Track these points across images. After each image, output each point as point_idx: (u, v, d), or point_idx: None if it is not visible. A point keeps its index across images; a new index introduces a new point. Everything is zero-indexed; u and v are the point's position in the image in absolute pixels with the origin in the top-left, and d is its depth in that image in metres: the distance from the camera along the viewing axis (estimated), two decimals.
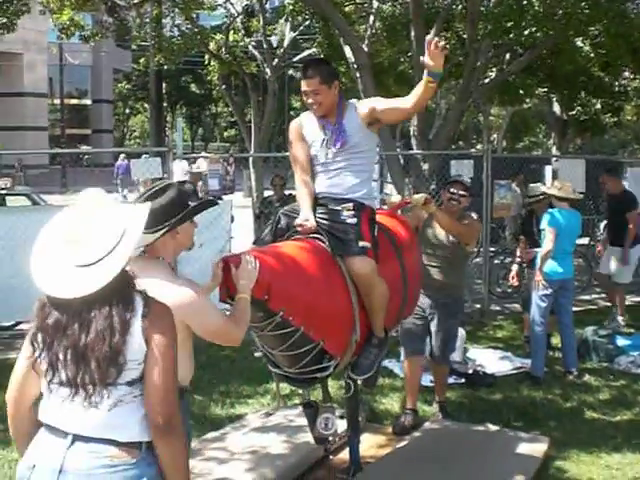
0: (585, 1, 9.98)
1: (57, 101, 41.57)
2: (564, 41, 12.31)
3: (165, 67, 22.92)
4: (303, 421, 5.04)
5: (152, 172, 9.16)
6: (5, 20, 14.55)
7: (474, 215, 6.44)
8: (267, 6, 19.12)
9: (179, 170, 19.65)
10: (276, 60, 17.51)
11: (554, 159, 14.36)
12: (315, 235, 4.38)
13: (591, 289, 11.45)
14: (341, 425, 5.06)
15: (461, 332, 7.36)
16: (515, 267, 8.93)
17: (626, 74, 18.86)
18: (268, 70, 17.16)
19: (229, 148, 54.32)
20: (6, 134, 41.53)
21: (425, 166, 10.80)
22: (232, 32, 18.07)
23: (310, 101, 4.52)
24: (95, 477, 2.52)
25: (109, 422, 2.55)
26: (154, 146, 29.36)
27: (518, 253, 8.89)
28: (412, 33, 10.48)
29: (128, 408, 2.57)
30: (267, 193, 13.20)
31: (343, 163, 4.53)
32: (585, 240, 12.41)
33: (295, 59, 19.53)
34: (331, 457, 5.45)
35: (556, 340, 8.32)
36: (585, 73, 16.29)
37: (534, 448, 5.61)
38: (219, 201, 9.60)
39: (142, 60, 41.48)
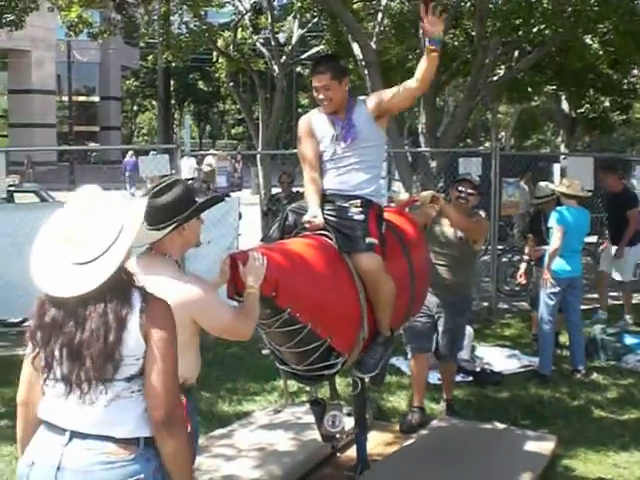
0: None
1: (65, 98, 41.56)
2: (573, 38, 12.28)
3: (173, 64, 22.95)
4: (310, 418, 5.03)
5: (160, 169, 9.16)
6: (13, 17, 14.55)
7: (482, 213, 6.43)
8: (275, 3, 19.15)
9: (187, 167, 19.72)
10: (284, 57, 17.50)
11: (562, 157, 14.32)
12: (322, 232, 4.38)
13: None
14: (348, 423, 5.06)
15: (469, 330, 7.35)
16: (523, 265, 8.92)
17: (635, 72, 18.81)
18: (276, 67, 17.15)
19: (237, 145, 54.43)
20: (14, 131, 41.77)
21: (433, 164, 10.78)
22: (240, 29, 18.06)
23: (321, 97, 4.52)
24: (92, 474, 2.52)
25: (106, 418, 2.55)
26: (162, 143, 29.49)
27: (526, 251, 8.88)
28: (420, 30, 10.44)
29: (126, 404, 2.57)
30: (275, 190, 13.18)
31: (352, 159, 4.53)
32: (593, 238, 12.36)
33: (303, 56, 19.53)
34: (338, 455, 5.45)
35: (564, 338, 8.30)
36: (594, 71, 16.24)
37: (541, 446, 5.60)
38: (227, 198, 9.62)
39: (150, 57, 41.49)
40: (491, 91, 13.28)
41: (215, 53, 18.81)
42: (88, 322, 2.50)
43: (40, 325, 2.58)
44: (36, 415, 2.69)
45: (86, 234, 2.51)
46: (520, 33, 10.79)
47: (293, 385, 6.18)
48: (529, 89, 17.33)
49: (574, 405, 6.87)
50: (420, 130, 11.42)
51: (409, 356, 6.43)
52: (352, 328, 4.37)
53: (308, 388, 5.46)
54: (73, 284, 2.48)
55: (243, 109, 20.64)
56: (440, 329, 6.17)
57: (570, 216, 7.48)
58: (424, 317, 6.10)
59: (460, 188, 6.07)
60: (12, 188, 14.27)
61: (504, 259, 11.58)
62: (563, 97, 21.43)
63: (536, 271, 8.42)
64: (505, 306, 10.87)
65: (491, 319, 10.09)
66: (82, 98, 50.75)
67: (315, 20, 17.15)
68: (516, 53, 13.34)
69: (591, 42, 14.17)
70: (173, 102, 50.78)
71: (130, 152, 28.86)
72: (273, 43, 17.31)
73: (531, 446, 5.59)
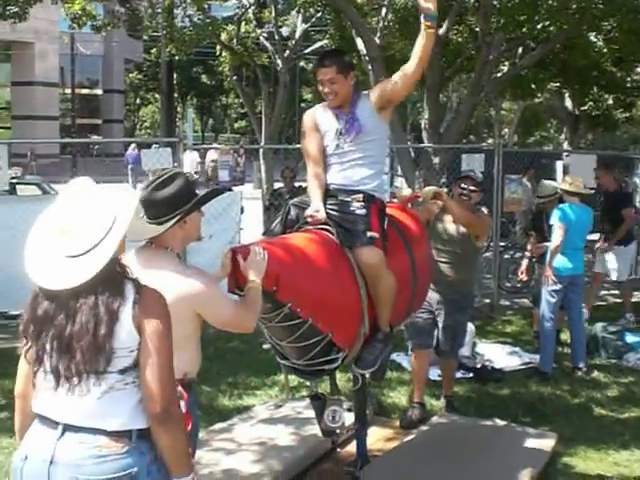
0: None
1: (68, 91, 41.56)
2: (577, 36, 12.25)
3: (176, 58, 22.91)
4: (311, 413, 5.03)
5: (162, 162, 9.15)
6: (17, 9, 14.52)
7: (484, 210, 6.43)
8: None
9: (189, 161, 19.71)
10: (287, 52, 17.46)
11: (565, 154, 14.30)
12: (324, 226, 4.38)
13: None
14: (349, 418, 5.06)
15: (470, 327, 7.35)
16: (525, 262, 8.92)
17: (639, 70, 18.75)
18: (279, 62, 17.11)
19: (239, 139, 54.30)
20: (17, 123, 41.73)
21: (436, 160, 10.76)
22: (244, 23, 18.02)
23: (326, 90, 4.52)
24: (84, 468, 2.51)
25: (98, 411, 2.54)
26: (165, 136, 29.41)
27: (528, 248, 8.87)
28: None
29: (119, 396, 2.56)
30: (277, 185, 13.18)
31: (356, 154, 4.52)
32: (596, 236, 12.36)
33: (307, 51, 19.50)
34: (338, 450, 5.46)
35: (565, 336, 8.30)
36: (598, 68, 16.19)
37: (542, 444, 5.61)
38: (229, 192, 9.61)
39: (153, 50, 41.34)
40: (495, 87, 13.24)
41: (218, 47, 18.79)
42: (78, 315, 2.50)
43: (32, 318, 2.58)
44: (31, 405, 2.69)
45: (79, 227, 2.51)
46: (524, 30, 10.75)
47: (294, 380, 6.17)
48: (533, 86, 17.28)
49: (575, 403, 6.87)
50: (423, 126, 11.41)
51: (410, 352, 6.43)
52: (353, 323, 4.37)
53: (308, 383, 5.47)
54: (65, 277, 2.48)
55: (246, 103, 20.61)
56: (440, 325, 6.17)
57: (572, 213, 7.47)
58: (425, 313, 6.09)
59: (463, 185, 6.06)
60: (14, 180, 14.28)
61: (506, 256, 11.58)
62: (567, 94, 21.37)
63: (538, 268, 8.41)
64: (506, 303, 10.87)
65: (492, 316, 10.09)
66: (85, 91, 50.68)
67: (319, 14, 17.13)
68: (520, 50, 13.31)
69: (595, 39, 14.13)
70: (176, 95, 50.69)
71: (132, 145, 28.83)
72: (277, 37, 17.27)
73: (531, 443, 5.60)
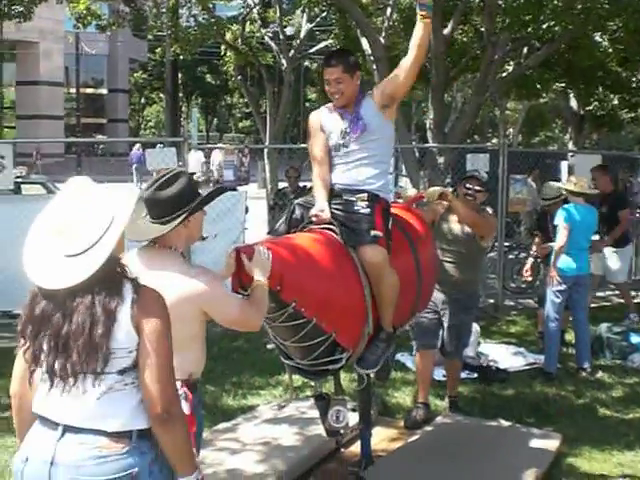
0: None
1: (73, 90, 41.61)
2: (582, 36, 12.22)
3: (181, 57, 22.95)
4: (315, 413, 5.02)
5: (167, 162, 9.15)
6: (22, 8, 14.57)
7: (489, 210, 6.42)
8: None
9: (195, 161, 19.70)
10: (292, 51, 17.47)
11: (570, 154, 14.28)
12: (329, 226, 4.38)
13: (605, 286, 11.39)
14: (353, 418, 5.06)
15: (475, 327, 7.34)
16: (530, 260, 8.91)
17: None
18: (284, 61, 17.13)
19: (244, 139, 54.37)
20: (22, 123, 41.80)
21: (440, 159, 10.76)
22: (248, 23, 18.05)
23: (332, 90, 4.53)
24: (85, 468, 2.50)
25: (98, 412, 2.53)
26: (169, 136, 29.46)
27: (533, 249, 8.86)
28: None
29: (119, 396, 2.55)
30: (281, 185, 13.19)
31: (361, 154, 4.53)
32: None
33: (311, 50, 19.50)
34: (342, 450, 5.44)
35: (570, 336, 8.29)
36: (603, 68, 16.17)
37: (546, 444, 5.60)
38: (233, 192, 9.61)
39: (158, 50, 41.56)
40: (500, 87, 13.23)
41: (223, 46, 18.79)
42: (75, 314, 2.49)
43: (30, 318, 2.57)
44: (29, 408, 2.68)
45: (77, 226, 2.50)
46: (529, 29, 10.74)
47: (298, 380, 6.18)
48: (538, 86, 17.25)
49: (579, 403, 6.85)
50: (428, 126, 11.39)
51: (414, 352, 6.43)
52: (357, 323, 4.36)
53: (313, 383, 5.47)
54: (63, 276, 2.47)
55: (251, 103, 20.65)
56: (446, 325, 6.17)
57: (577, 214, 7.46)
58: (430, 313, 6.09)
59: (468, 185, 6.06)
60: (19, 180, 14.30)
61: (511, 256, 11.56)
62: (572, 94, 21.34)
63: (543, 269, 8.40)
64: (511, 303, 10.85)
65: (497, 316, 10.08)
66: (90, 90, 50.81)
67: (324, 14, 17.13)
68: (525, 49, 13.29)
69: (601, 39, 14.11)
70: (181, 95, 50.74)
71: (137, 145, 28.86)
72: (281, 37, 17.28)
73: (536, 444, 5.59)
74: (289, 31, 19.45)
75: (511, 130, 37.24)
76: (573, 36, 11.39)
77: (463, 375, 7.05)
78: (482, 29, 12.16)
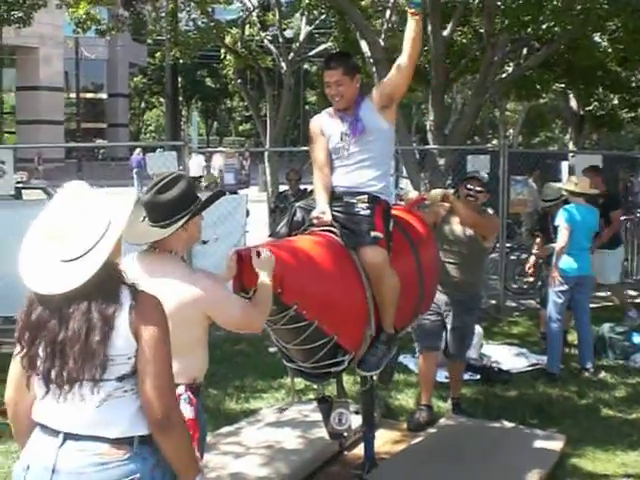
0: None
1: (73, 95, 41.72)
2: (582, 36, 12.21)
3: (181, 61, 22.90)
4: (318, 416, 5.02)
5: (168, 166, 9.15)
6: (21, 14, 14.59)
7: (490, 211, 6.42)
8: (283, 0, 19.09)
9: (196, 165, 19.68)
10: (292, 54, 17.47)
11: (571, 154, 14.28)
12: (329, 228, 4.38)
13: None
14: (356, 421, 5.05)
15: (478, 329, 7.32)
16: (532, 259, 8.90)
17: None
18: (284, 64, 17.13)
19: (244, 142, 54.34)
20: (22, 128, 41.85)
21: (441, 161, 10.74)
22: (248, 26, 18.05)
23: (333, 92, 4.55)
24: (87, 475, 2.49)
25: (99, 419, 2.51)
26: (170, 140, 29.42)
27: (535, 250, 8.85)
28: (429, 27, 10.42)
29: (118, 403, 2.53)
30: (282, 188, 13.18)
31: (361, 155, 4.53)
32: None
33: (311, 53, 19.51)
34: (346, 453, 5.45)
35: (572, 337, 8.28)
36: (603, 68, 16.16)
37: (550, 445, 5.59)
38: (235, 195, 9.62)
39: (158, 54, 41.48)
40: (499, 88, 13.22)
41: (223, 50, 18.80)
42: (71, 321, 2.46)
43: (27, 324, 2.54)
44: (25, 414, 2.65)
45: (73, 231, 2.48)
46: (529, 30, 10.75)
47: (300, 383, 6.17)
48: (537, 86, 17.24)
49: (582, 404, 6.84)
50: (428, 127, 11.38)
51: (417, 354, 6.42)
52: (359, 325, 4.36)
53: (315, 386, 5.46)
54: (59, 281, 2.44)
55: (251, 106, 20.65)
56: (449, 327, 6.16)
57: (578, 214, 7.45)
58: (433, 315, 6.08)
59: (469, 186, 6.05)
60: (20, 185, 14.31)
61: (512, 257, 11.56)
62: (571, 94, 21.34)
63: (545, 269, 8.39)
64: (513, 304, 10.84)
65: (499, 317, 10.07)
66: (90, 95, 50.84)
67: (323, 17, 17.11)
68: (525, 50, 13.29)
69: (600, 40, 14.10)
70: (181, 99, 50.67)
71: (138, 150, 28.84)
72: (281, 40, 17.29)
73: (539, 445, 5.58)
74: (288, 34, 19.46)
75: (511, 131, 37.26)
76: (572, 36, 11.38)
77: (466, 377, 7.04)
78: (481, 30, 12.15)
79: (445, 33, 10.79)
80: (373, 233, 4.34)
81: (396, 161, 13.65)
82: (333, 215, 4.40)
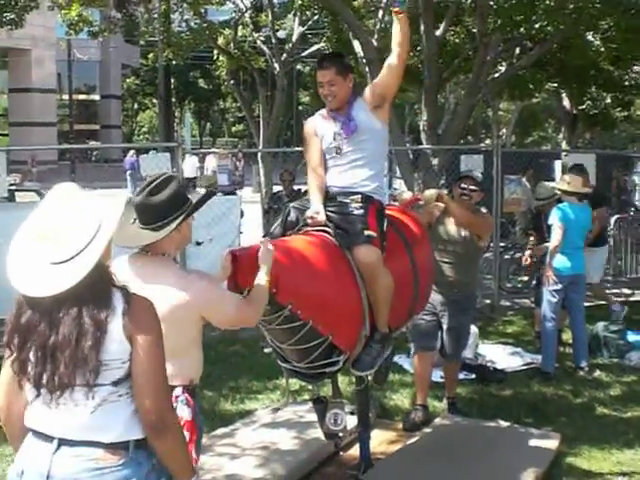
0: None
1: (65, 96, 41.57)
2: (574, 35, 12.22)
3: (173, 62, 22.91)
4: (313, 417, 5.02)
5: (161, 167, 9.14)
6: (13, 16, 14.52)
7: (484, 210, 6.42)
8: (275, 1, 19.08)
9: (190, 166, 19.68)
10: (285, 55, 17.47)
11: (564, 154, 14.29)
12: (324, 228, 4.38)
13: (602, 284, 11.38)
14: (351, 421, 5.05)
15: (473, 329, 7.32)
16: (527, 252, 8.91)
17: (636, 68, 18.70)
18: (276, 65, 17.12)
19: (237, 143, 54.39)
20: (14, 130, 41.77)
21: (435, 161, 10.74)
22: (240, 27, 18.06)
23: (325, 92, 4.56)
24: None
25: (93, 424, 2.48)
26: (163, 141, 29.41)
27: (528, 249, 8.86)
28: (421, 27, 10.42)
29: (113, 408, 2.50)
30: (276, 188, 13.17)
31: (354, 155, 4.54)
32: None
33: (304, 54, 19.52)
34: (341, 453, 5.44)
35: (566, 336, 8.29)
36: (595, 67, 16.18)
37: (545, 444, 5.59)
38: (229, 196, 9.62)
39: (150, 55, 41.46)
40: (492, 88, 13.23)
41: (215, 51, 18.81)
42: (62, 325, 2.42)
43: (16, 328, 2.49)
44: (17, 419, 2.61)
45: (63, 233, 2.43)
46: (522, 30, 10.75)
47: (295, 383, 6.16)
48: (530, 86, 17.27)
49: (577, 403, 6.85)
50: (421, 127, 11.37)
51: (412, 354, 6.41)
52: (354, 325, 4.36)
53: (311, 386, 5.46)
54: (49, 283, 2.39)
55: (244, 107, 20.63)
56: (445, 327, 6.15)
57: (571, 213, 7.46)
58: (429, 315, 6.08)
59: (463, 185, 6.06)
60: (13, 187, 14.27)
61: (506, 256, 11.56)
62: (564, 94, 21.37)
63: (539, 268, 8.39)
64: (507, 303, 10.85)
65: (493, 316, 10.08)
66: (82, 96, 50.73)
67: (316, 17, 17.11)
68: (517, 50, 13.30)
69: (593, 39, 14.10)
70: (174, 100, 50.74)
71: (131, 151, 28.80)
72: (274, 41, 17.28)
73: (535, 444, 5.58)
74: (281, 35, 19.47)
75: (504, 130, 37.30)
76: (565, 36, 11.39)
77: (461, 376, 7.04)
78: (474, 30, 12.17)
79: (438, 33, 10.79)
80: (366, 232, 4.34)
81: (390, 161, 13.66)
82: (327, 215, 4.40)
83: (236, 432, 5.74)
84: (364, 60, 10.44)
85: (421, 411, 6.12)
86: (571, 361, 7.79)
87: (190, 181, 19.24)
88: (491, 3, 10.43)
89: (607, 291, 10.60)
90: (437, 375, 6.82)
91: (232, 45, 17.40)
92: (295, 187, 10.14)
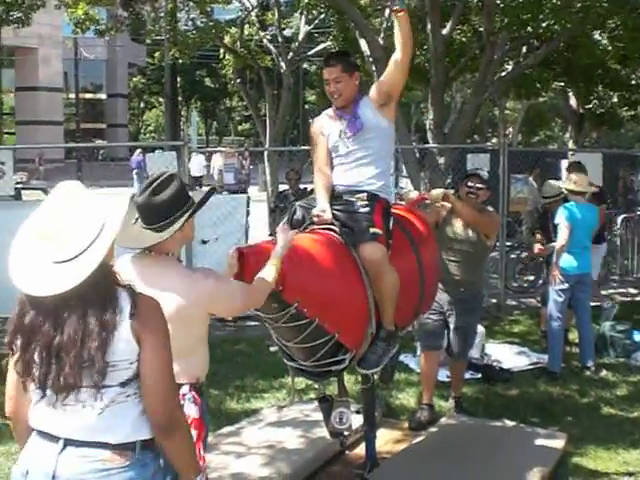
0: None
1: (72, 95, 41.65)
2: (581, 34, 12.21)
3: (180, 61, 22.94)
4: (319, 416, 5.01)
5: (167, 166, 9.14)
6: (20, 14, 14.57)
7: (490, 209, 6.41)
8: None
9: (196, 165, 19.69)
10: (291, 54, 17.44)
11: (570, 153, 14.26)
12: (330, 227, 4.38)
13: (608, 283, 11.37)
14: (357, 420, 5.04)
15: (480, 329, 7.31)
16: (537, 244, 8.86)
17: None
18: (283, 64, 17.11)
19: (243, 142, 54.35)
20: (21, 128, 41.89)
21: (441, 160, 10.73)
22: (247, 26, 18.03)
23: (332, 90, 4.56)
24: None
25: (101, 425, 2.46)
26: (169, 140, 29.43)
27: (536, 247, 8.83)
28: (428, 26, 10.41)
29: (120, 409, 2.49)
30: (282, 187, 13.18)
31: (360, 153, 4.54)
32: None
33: (310, 53, 19.47)
34: (347, 452, 5.43)
35: (573, 335, 8.27)
36: (602, 66, 16.16)
37: (551, 444, 5.56)
38: (235, 195, 9.62)
39: (157, 54, 41.52)
40: (499, 87, 13.21)
41: (222, 50, 18.79)
42: (66, 325, 2.39)
43: (20, 328, 2.46)
44: (26, 417, 2.59)
45: (66, 231, 2.41)
46: (528, 29, 10.74)
47: (301, 382, 6.16)
48: (537, 85, 17.25)
49: (584, 402, 6.84)
50: (428, 126, 11.37)
51: (418, 353, 6.40)
52: (360, 323, 4.36)
53: (316, 385, 5.45)
54: (52, 282, 2.36)
55: (250, 106, 20.63)
56: (452, 327, 6.14)
57: (578, 212, 7.44)
58: (435, 314, 6.07)
59: (469, 183, 6.04)
60: (20, 186, 14.30)
61: (512, 256, 11.54)
62: (571, 93, 21.34)
63: (546, 268, 8.37)
64: (513, 303, 10.84)
65: (500, 316, 10.06)
66: (89, 95, 50.87)
67: (322, 16, 17.08)
68: (524, 49, 13.27)
69: (600, 38, 14.08)
70: (180, 99, 50.81)
71: (138, 150, 28.82)
72: (280, 39, 17.26)
73: (541, 443, 5.55)
74: (288, 33, 19.44)
75: (511, 129, 37.23)
76: (572, 35, 11.38)
77: (467, 375, 7.03)
78: (481, 29, 12.15)
79: (444, 32, 10.78)
80: (372, 230, 4.35)
81: (396, 160, 13.65)
82: (333, 213, 4.40)
83: (242, 431, 5.73)
84: (370, 59, 10.43)
85: (427, 410, 6.11)
86: (577, 361, 7.77)
87: (197, 180, 19.26)
88: (498, 2, 10.42)
89: (613, 291, 10.57)
90: (443, 374, 6.81)
91: (238, 44, 17.39)
92: (301, 186, 10.13)
